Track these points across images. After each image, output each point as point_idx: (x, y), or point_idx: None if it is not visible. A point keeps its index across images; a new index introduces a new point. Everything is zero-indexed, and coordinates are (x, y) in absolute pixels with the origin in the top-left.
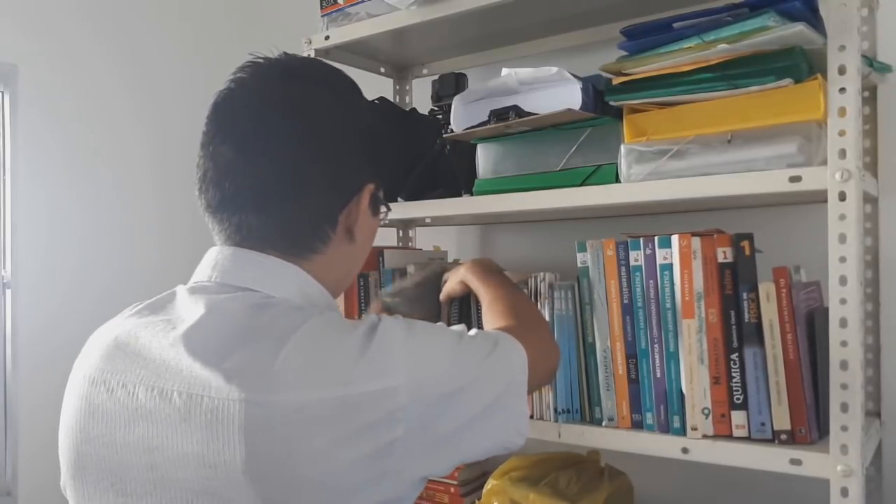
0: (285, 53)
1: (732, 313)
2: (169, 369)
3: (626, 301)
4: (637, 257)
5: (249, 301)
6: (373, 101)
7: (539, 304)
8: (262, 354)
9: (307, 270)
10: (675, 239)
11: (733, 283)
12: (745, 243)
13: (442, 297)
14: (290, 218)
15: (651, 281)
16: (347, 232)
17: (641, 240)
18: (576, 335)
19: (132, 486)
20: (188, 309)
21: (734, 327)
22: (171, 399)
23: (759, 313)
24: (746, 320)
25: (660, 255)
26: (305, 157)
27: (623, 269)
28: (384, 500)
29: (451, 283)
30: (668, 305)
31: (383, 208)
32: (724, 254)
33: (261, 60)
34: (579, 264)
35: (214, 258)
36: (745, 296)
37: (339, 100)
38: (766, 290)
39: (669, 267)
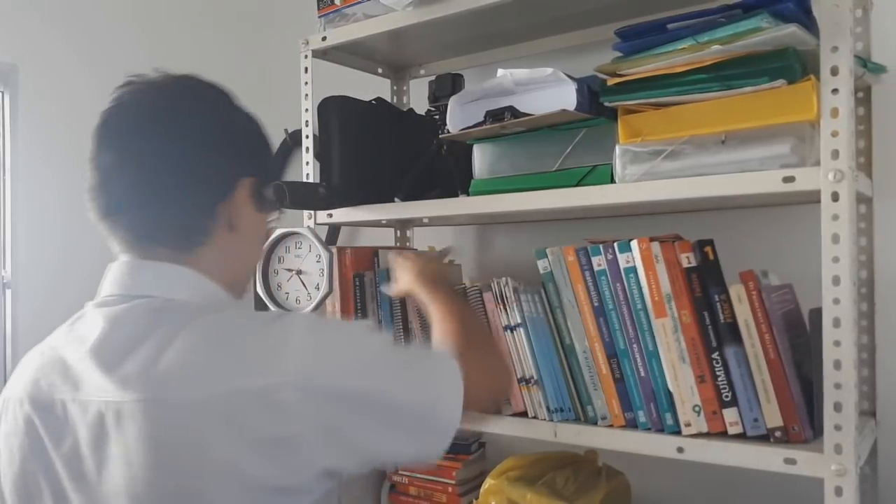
0: (159, 71)
1: (706, 314)
2: (84, 382)
3: (596, 304)
4: (600, 262)
5: (149, 307)
6: (369, 101)
7: (507, 307)
8: (153, 356)
9: (197, 266)
10: (634, 244)
11: (701, 286)
12: (708, 248)
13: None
14: (170, 213)
15: (618, 284)
16: (228, 224)
17: (601, 246)
18: (552, 337)
19: (70, 495)
20: (94, 323)
21: (710, 328)
22: (87, 409)
23: (734, 314)
24: (721, 321)
25: (622, 259)
26: (177, 159)
27: (587, 273)
28: (286, 486)
29: (399, 290)
30: (640, 306)
31: (266, 203)
32: (687, 259)
33: (135, 79)
34: (541, 270)
35: (113, 273)
36: (716, 297)
37: (207, 107)
38: (737, 291)
39: (634, 270)
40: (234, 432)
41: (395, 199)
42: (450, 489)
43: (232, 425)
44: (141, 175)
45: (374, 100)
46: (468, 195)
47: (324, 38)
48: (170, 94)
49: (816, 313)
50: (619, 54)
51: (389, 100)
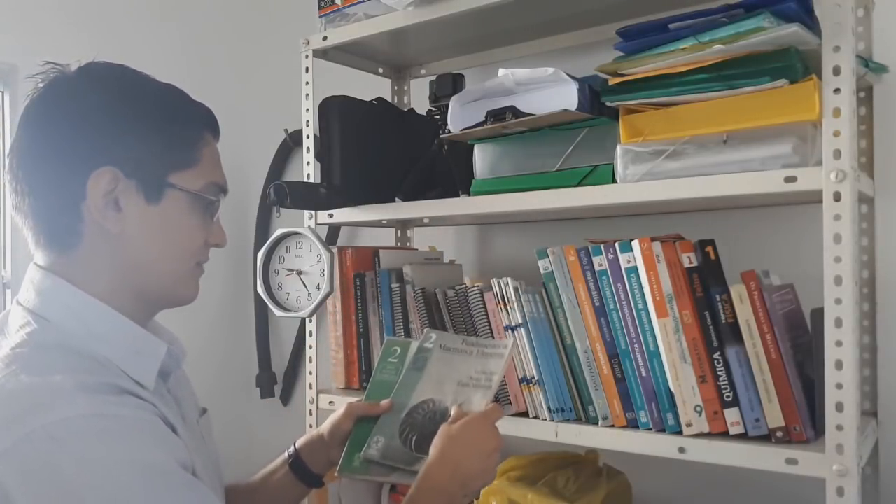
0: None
1: (707, 314)
2: None
3: (597, 304)
4: (601, 262)
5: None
6: (370, 101)
7: (508, 307)
8: None
9: (65, 270)
10: (635, 243)
11: (703, 286)
12: (710, 248)
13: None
14: (35, 210)
15: (619, 284)
16: (98, 223)
17: (602, 246)
18: (553, 337)
19: None
20: None
21: (711, 328)
22: None
23: (735, 314)
24: (723, 321)
25: (623, 259)
26: (36, 151)
27: (588, 273)
28: None
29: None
30: (641, 306)
31: (176, 193)
32: (689, 259)
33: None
34: (542, 270)
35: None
36: (717, 297)
37: (74, 94)
38: (738, 292)
39: (635, 270)
40: None
41: (396, 199)
42: None
43: None
44: (19, 169)
45: (375, 100)
46: (469, 195)
47: (324, 38)
48: (55, 84)
49: (818, 313)
50: (620, 54)
51: (390, 100)
